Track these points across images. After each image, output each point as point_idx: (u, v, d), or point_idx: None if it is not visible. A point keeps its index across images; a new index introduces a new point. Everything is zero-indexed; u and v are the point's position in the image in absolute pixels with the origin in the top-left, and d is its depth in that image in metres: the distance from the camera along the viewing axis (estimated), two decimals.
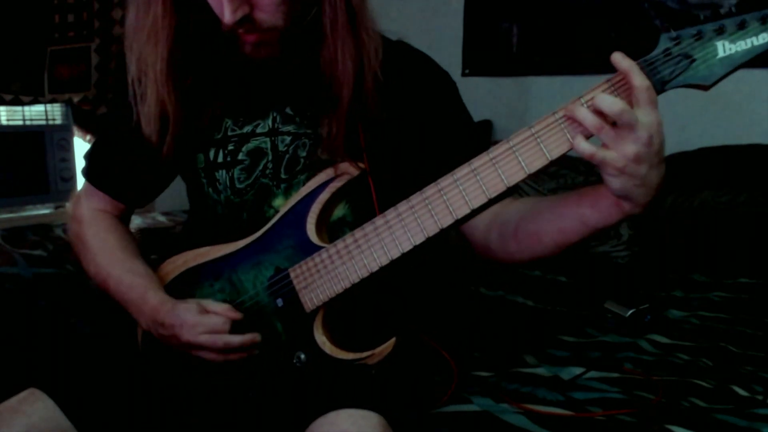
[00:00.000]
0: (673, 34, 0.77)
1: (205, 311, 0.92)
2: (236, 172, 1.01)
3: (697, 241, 1.93)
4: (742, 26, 0.74)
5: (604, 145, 0.76)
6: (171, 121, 0.97)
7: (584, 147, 0.77)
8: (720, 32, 0.75)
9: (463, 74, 2.77)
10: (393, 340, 0.89)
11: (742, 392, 1.13)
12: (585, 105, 0.77)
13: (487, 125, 2.67)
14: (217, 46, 0.97)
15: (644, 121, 0.74)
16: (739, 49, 0.74)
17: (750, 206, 1.87)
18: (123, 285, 1.01)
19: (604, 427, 0.99)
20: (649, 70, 0.76)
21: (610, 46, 2.82)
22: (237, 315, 0.92)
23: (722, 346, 1.35)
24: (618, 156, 0.75)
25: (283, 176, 1.00)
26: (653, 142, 0.75)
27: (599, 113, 0.76)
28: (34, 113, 2.67)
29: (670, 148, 2.10)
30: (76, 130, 2.67)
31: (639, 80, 0.75)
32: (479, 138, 1.08)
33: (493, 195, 0.83)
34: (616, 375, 1.19)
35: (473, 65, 2.75)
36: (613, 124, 0.76)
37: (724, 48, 0.75)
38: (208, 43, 0.97)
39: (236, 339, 0.91)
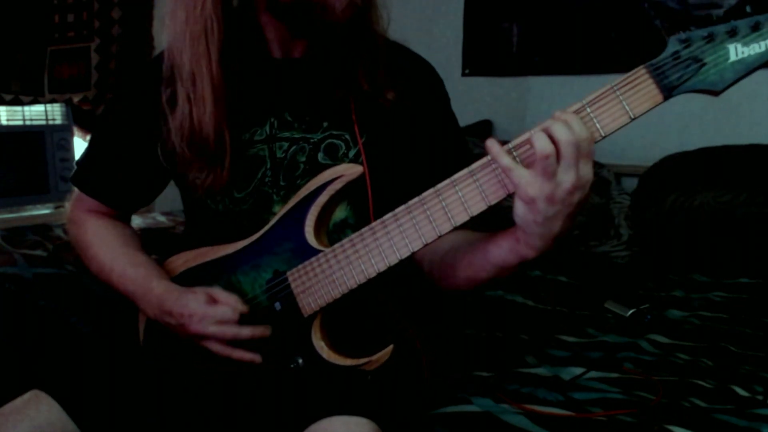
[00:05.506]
0: (683, 36, 0.73)
1: (213, 300, 0.91)
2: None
3: (697, 241, 1.93)
4: (756, 28, 0.70)
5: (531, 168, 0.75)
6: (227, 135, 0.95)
7: (505, 161, 0.76)
8: (732, 34, 0.71)
9: (463, 74, 2.77)
10: (391, 347, 0.88)
11: (742, 392, 1.13)
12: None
13: (487, 125, 2.67)
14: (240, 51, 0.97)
15: (562, 178, 0.73)
16: (752, 52, 0.71)
17: (750, 206, 1.87)
18: (126, 277, 1.00)
19: (605, 428, 0.99)
20: (657, 75, 0.74)
21: (610, 46, 2.81)
22: (245, 308, 0.91)
23: (722, 346, 1.35)
24: (532, 181, 0.74)
25: (282, 183, 0.99)
26: (573, 195, 0.74)
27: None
28: (34, 113, 2.67)
29: (671, 148, 2.11)
30: (76, 130, 2.68)
31: (506, 161, 0.75)
32: (467, 150, 1.07)
33: (493, 202, 0.81)
34: (616, 375, 1.19)
35: (473, 65, 2.75)
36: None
37: (737, 51, 0.71)
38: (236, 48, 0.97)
39: (246, 331, 0.90)
